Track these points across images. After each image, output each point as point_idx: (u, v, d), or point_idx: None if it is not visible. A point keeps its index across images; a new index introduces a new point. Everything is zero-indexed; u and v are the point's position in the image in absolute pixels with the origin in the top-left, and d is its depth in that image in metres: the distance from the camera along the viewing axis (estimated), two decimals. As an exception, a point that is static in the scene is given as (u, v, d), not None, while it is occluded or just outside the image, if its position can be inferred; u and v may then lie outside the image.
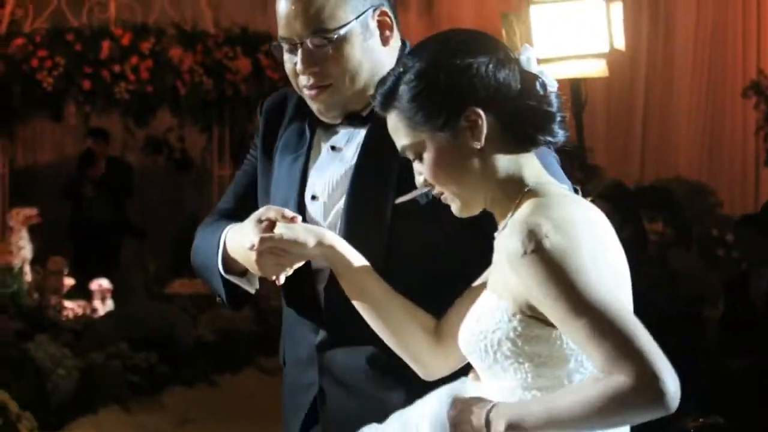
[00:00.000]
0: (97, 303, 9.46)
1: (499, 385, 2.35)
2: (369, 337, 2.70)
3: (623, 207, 6.24)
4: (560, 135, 2.47)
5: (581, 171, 7.23)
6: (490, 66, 2.39)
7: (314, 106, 2.87)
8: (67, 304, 9.27)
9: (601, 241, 2.32)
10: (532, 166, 2.45)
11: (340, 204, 2.81)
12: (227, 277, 2.88)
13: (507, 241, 2.30)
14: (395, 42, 2.86)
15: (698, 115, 12.85)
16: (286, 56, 2.85)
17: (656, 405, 2.18)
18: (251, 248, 2.67)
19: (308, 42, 2.76)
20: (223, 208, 3.06)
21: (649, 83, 12.95)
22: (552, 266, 2.22)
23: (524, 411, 2.27)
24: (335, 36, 2.75)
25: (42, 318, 8.80)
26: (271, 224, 2.68)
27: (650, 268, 6.42)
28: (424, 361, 2.63)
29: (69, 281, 9.61)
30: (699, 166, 12.72)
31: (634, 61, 12.04)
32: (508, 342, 2.29)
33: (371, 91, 2.56)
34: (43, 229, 10.18)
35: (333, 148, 2.90)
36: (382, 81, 2.48)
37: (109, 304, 9.50)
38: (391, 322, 2.68)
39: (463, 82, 2.38)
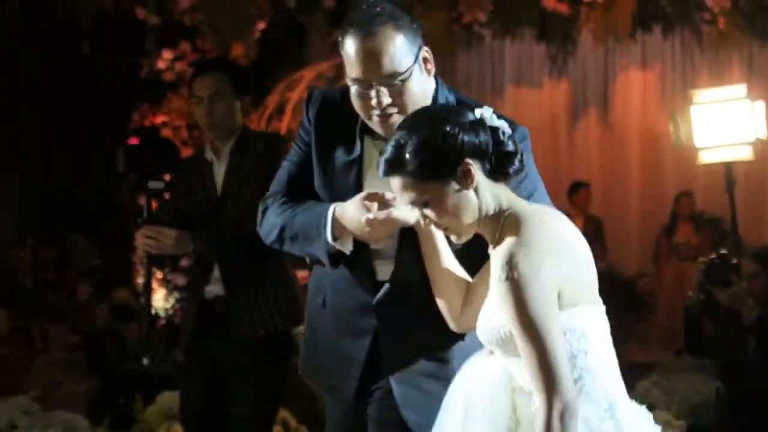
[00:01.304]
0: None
1: (515, 360, 3.00)
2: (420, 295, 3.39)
3: None
4: (523, 167, 3.16)
5: (733, 235, 8.40)
6: (467, 127, 3.04)
7: (381, 129, 3.43)
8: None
9: (561, 248, 3.01)
10: (506, 194, 3.12)
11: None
12: (333, 244, 3.44)
13: (495, 264, 3.01)
14: (431, 72, 3.46)
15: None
16: (358, 92, 3.39)
17: (567, 415, 2.87)
18: (368, 220, 3.29)
19: (383, 83, 3.33)
20: (278, 191, 3.64)
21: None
22: (514, 295, 2.90)
23: None
24: (404, 77, 3.34)
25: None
26: (380, 202, 3.30)
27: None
28: (457, 320, 3.34)
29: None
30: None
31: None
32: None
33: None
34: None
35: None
36: (383, 153, 3.11)
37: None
38: (444, 283, 3.36)
39: (454, 144, 3.02)
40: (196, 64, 6.81)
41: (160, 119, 11.66)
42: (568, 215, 9.49)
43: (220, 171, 5.25)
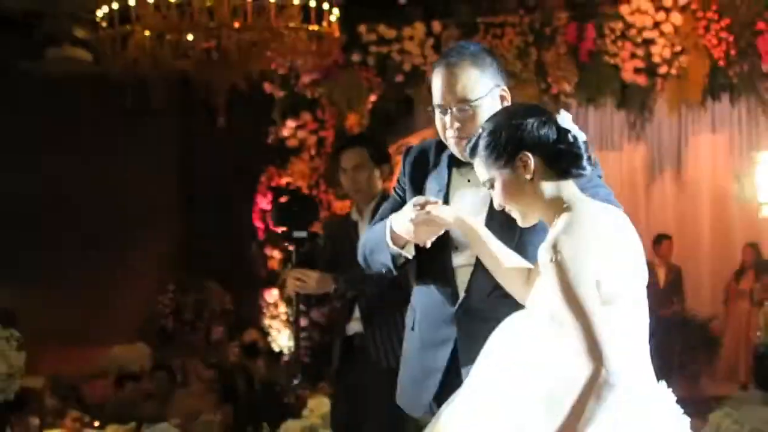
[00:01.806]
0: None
1: (563, 339, 2.98)
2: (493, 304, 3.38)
3: None
4: (587, 169, 3.14)
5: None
6: (535, 124, 3.11)
7: (457, 150, 3.57)
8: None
9: (608, 246, 2.99)
10: (569, 190, 3.12)
11: (481, 218, 3.49)
12: (392, 248, 3.55)
13: (542, 249, 3.01)
14: None
15: None
16: (438, 116, 3.58)
17: (606, 386, 2.86)
18: (410, 220, 3.40)
19: (456, 107, 3.51)
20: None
21: None
22: (559, 276, 2.94)
23: None
24: (473, 104, 3.51)
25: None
26: (423, 207, 3.40)
27: None
28: (521, 296, 3.31)
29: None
30: None
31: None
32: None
33: None
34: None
35: (469, 180, 3.59)
36: (470, 139, 3.24)
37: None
38: (501, 270, 3.37)
39: (516, 135, 3.11)
40: (341, 140, 7.26)
41: (284, 180, 12.04)
42: (652, 264, 9.75)
43: (363, 229, 5.46)
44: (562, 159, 3.11)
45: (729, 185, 12.11)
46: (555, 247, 2.94)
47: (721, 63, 11.31)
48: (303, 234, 4.72)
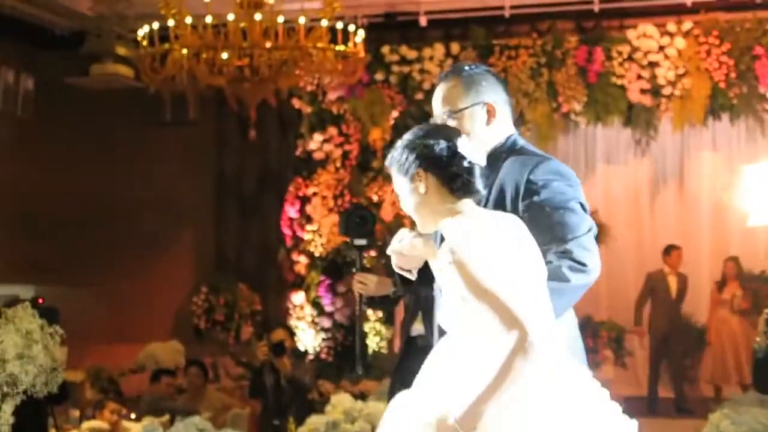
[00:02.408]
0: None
1: (472, 337, 3.03)
2: None
3: None
4: (479, 192, 3.21)
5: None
6: (435, 146, 3.19)
7: None
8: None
9: (501, 242, 3.01)
10: (464, 206, 3.17)
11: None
12: (397, 270, 3.62)
13: (441, 254, 3.08)
14: (499, 125, 3.61)
15: None
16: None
17: (530, 347, 2.85)
18: (388, 251, 3.49)
19: (442, 116, 3.63)
20: None
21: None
22: (459, 272, 2.97)
23: (463, 407, 2.89)
24: (455, 115, 3.60)
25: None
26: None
27: None
28: None
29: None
30: None
31: None
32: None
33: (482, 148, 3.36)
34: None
35: None
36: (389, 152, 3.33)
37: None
38: None
39: (417, 154, 3.21)
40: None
41: (311, 190, 12.07)
42: (663, 273, 9.76)
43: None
44: (455, 180, 3.18)
45: (727, 200, 12.13)
46: (450, 251, 3.01)
47: (722, 85, 11.37)
48: (363, 242, 4.76)
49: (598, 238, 10.99)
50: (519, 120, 11.90)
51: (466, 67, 3.68)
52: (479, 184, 3.21)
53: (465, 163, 3.18)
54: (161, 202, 12.31)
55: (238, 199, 12.80)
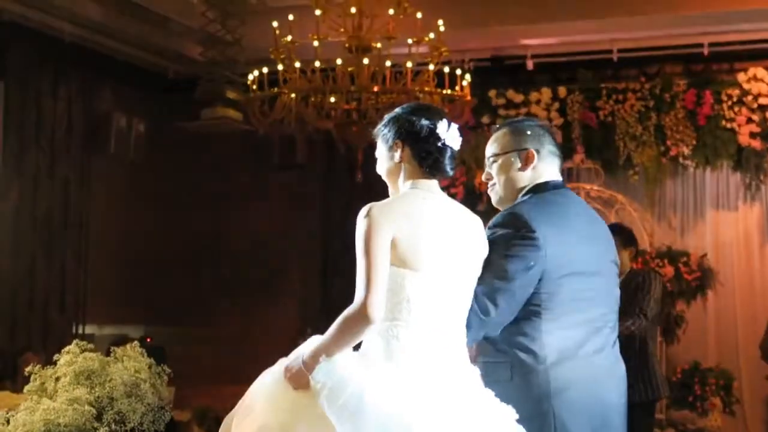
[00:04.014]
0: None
1: None
2: None
3: None
4: (446, 173, 3.59)
5: None
6: (417, 122, 3.56)
7: (491, 195, 4.06)
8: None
9: (409, 221, 3.40)
10: (426, 183, 3.56)
11: None
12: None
13: None
14: (534, 171, 3.91)
15: None
16: None
17: (362, 318, 3.26)
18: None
19: (489, 159, 4.03)
20: None
21: None
22: (357, 231, 3.39)
23: (311, 347, 3.37)
24: (490, 159, 4.01)
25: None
26: None
27: None
28: None
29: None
30: None
31: None
32: None
33: (509, 198, 3.87)
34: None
35: None
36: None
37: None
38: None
39: (399, 126, 3.58)
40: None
41: None
42: None
43: None
44: (427, 157, 3.54)
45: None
46: (364, 210, 3.42)
47: (834, 127, 11.11)
48: None
49: (708, 284, 10.81)
50: (626, 164, 11.80)
51: (520, 119, 4.11)
52: (448, 165, 3.58)
53: (439, 144, 3.54)
54: (270, 245, 12.42)
55: (344, 240, 12.78)
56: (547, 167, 3.95)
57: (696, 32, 11.36)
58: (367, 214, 3.39)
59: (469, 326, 3.58)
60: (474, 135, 11.88)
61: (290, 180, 12.53)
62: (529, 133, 3.95)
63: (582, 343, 3.72)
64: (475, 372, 3.56)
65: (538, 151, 3.92)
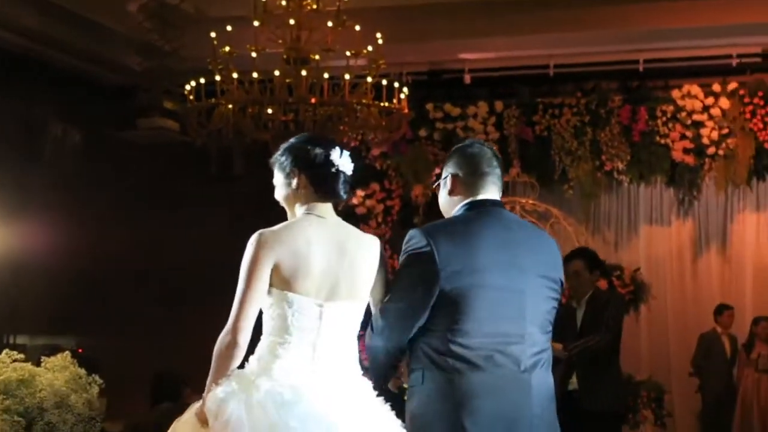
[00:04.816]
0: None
1: None
2: None
3: None
4: (339, 197, 3.83)
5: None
6: (310, 150, 3.79)
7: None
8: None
9: (292, 247, 3.62)
10: (321, 207, 3.79)
11: None
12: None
13: None
14: (460, 197, 4.00)
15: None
16: None
17: (231, 344, 3.58)
18: None
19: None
20: None
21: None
22: (244, 254, 3.64)
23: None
24: (434, 186, 4.19)
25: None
26: None
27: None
28: None
29: None
30: None
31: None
32: None
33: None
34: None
35: None
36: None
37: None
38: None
39: (294, 156, 3.81)
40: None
41: None
42: (715, 332, 10.08)
43: (579, 315, 7.33)
44: (322, 183, 3.77)
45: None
46: (252, 237, 3.64)
47: (766, 145, 11.33)
48: None
49: (641, 297, 11.12)
50: (561, 178, 11.90)
51: (457, 145, 4.16)
52: (341, 189, 3.81)
53: (332, 170, 3.76)
54: (207, 257, 12.31)
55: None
56: (471, 189, 3.99)
57: (632, 49, 11.49)
58: (253, 242, 3.62)
59: (367, 337, 3.91)
60: (411, 148, 11.94)
61: (227, 191, 12.45)
62: (453, 158, 4.06)
63: (489, 354, 3.78)
64: (365, 384, 3.81)
65: (457, 176, 4.00)
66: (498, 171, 4.05)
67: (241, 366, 3.70)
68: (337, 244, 3.74)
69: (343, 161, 3.79)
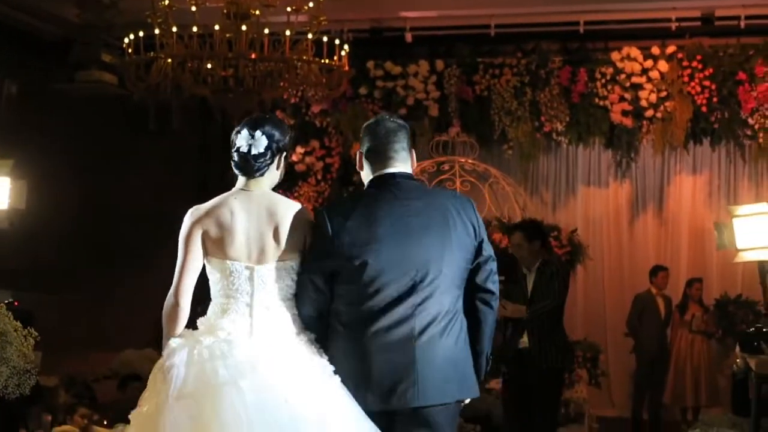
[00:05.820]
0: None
1: None
2: None
3: None
4: (244, 171, 4.11)
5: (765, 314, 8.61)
6: (232, 136, 4.18)
7: None
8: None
9: (217, 217, 4.05)
10: (239, 181, 4.16)
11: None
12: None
13: None
14: (369, 172, 4.22)
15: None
16: None
17: (170, 305, 4.01)
18: None
19: None
20: None
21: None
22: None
23: None
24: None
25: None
26: None
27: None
28: None
29: None
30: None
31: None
32: None
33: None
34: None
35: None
36: None
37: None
38: None
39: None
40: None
41: None
42: (650, 293, 10.22)
43: (530, 281, 7.76)
44: (234, 163, 4.14)
45: (706, 223, 12.06)
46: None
47: (704, 109, 11.49)
48: (501, 278, 5.12)
49: (578, 258, 11.39)
50: (501, 138, 11.98)
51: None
52: (246, 167, 4.08)
53: (233, 149, 4.12)
54: (144, 212, 12.25)
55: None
56: (375, 164, 4.21)
57: (572, 11, 11.51)
58: (186, 216, 4.08)
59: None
60: (351, 106, 11.94)
61: (165, 146, 12.40)
62: (362, 136, 4.29)
63: (375, 318, 4.05)
64: (300, 339, 4.07)
65: (362, 153, 4.25)
66: (404, 144, 4.21)
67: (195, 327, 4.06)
68: (265, 213, 4.07)
69: (240, 139, 4.12)
